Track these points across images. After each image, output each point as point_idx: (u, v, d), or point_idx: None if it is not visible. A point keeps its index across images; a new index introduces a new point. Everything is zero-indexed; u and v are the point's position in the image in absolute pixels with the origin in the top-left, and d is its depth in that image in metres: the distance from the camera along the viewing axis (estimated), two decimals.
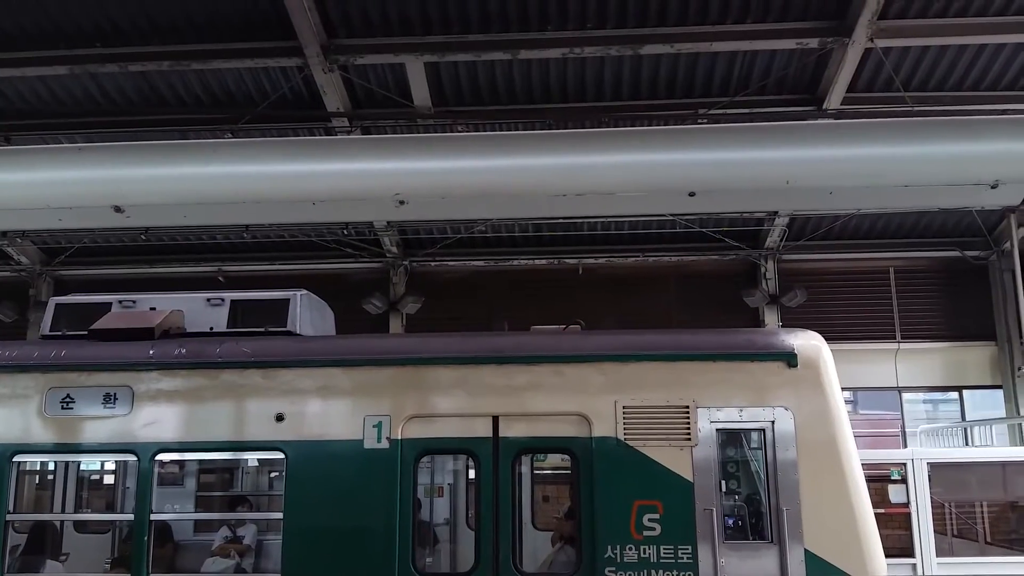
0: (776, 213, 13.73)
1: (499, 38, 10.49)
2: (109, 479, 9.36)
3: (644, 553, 6.01)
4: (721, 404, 6.26)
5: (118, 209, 4.68)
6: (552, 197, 4.49)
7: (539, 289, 14.92)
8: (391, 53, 10.69)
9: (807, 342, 6.52)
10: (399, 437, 6.30)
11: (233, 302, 7.20)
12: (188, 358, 6.59)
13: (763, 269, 14.86)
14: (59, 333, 7.10)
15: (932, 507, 10.94)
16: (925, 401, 16.07)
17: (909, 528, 10.85)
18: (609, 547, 6.04)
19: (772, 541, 6.06)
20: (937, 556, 10.77)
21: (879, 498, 11.41)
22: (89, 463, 8.91)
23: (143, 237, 14.22)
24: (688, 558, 5.99)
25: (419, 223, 14.08)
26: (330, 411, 6.44)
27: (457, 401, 6.42)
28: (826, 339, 6.85)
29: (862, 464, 6.38)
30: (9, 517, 6.43)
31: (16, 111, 11.35)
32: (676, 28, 10.35)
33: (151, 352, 6.62)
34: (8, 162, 4.85)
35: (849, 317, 14.76)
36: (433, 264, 15.27)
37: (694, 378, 6.33)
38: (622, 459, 6.18)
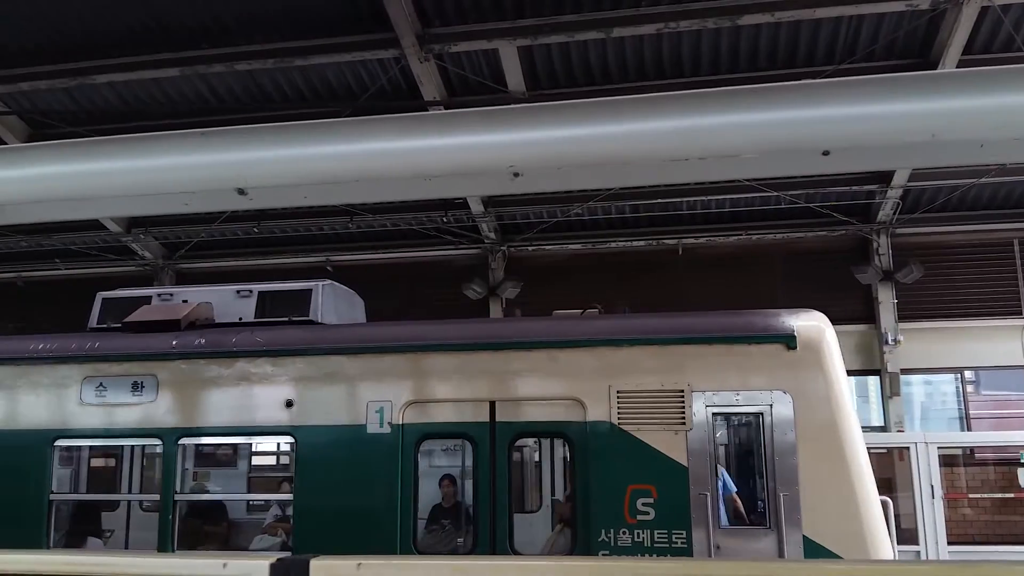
0: (889, 184, 13.09)
1: (592, 17, 10.38)
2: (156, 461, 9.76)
3: (638, 537, 5.99)
4: (717, 388, 6.16)
5: (242, 191, 4.87)
6: (673, 162, 4.33)
7: (638, 271, 14.74)
8: (484, 39, 10.75)
9: (808, 323, 6.35)
10: (400, 422, 6.48)
11: (260, 293, 7.56)
12: (207, 348, 6.96)
13: (875, 244, 14.20)
14: (104, 326, 7.60)
15: None
16: None
17: None
18: (603, 530, 6.04)
19: (769, 526, 5.97)
20: None
21: (1007, 483, 10.80)
22: (124, 446, 9.36)
23: (255, 230, 14.91)
24: (682, 543, 5.93)
25: (517, 207, 14.19)
26: (335, 397, 6.68)
27: (455, 387, 6.54)
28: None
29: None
30: (52, 497, 6.97)
31: (134, 113, 12.03)
32: None
33: (174, 343, 7.03)
34: (137, 149, 5.17)
35: (970, 292, 13.91)
36: (531, 249, 15.32)
37: (689, 362, 6.26)
38: (615, 443, 6.16)
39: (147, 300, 7.73)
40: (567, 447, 6.42)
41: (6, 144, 11.83)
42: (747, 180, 12.06)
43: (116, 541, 8.48)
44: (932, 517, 10.65)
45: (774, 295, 14.12)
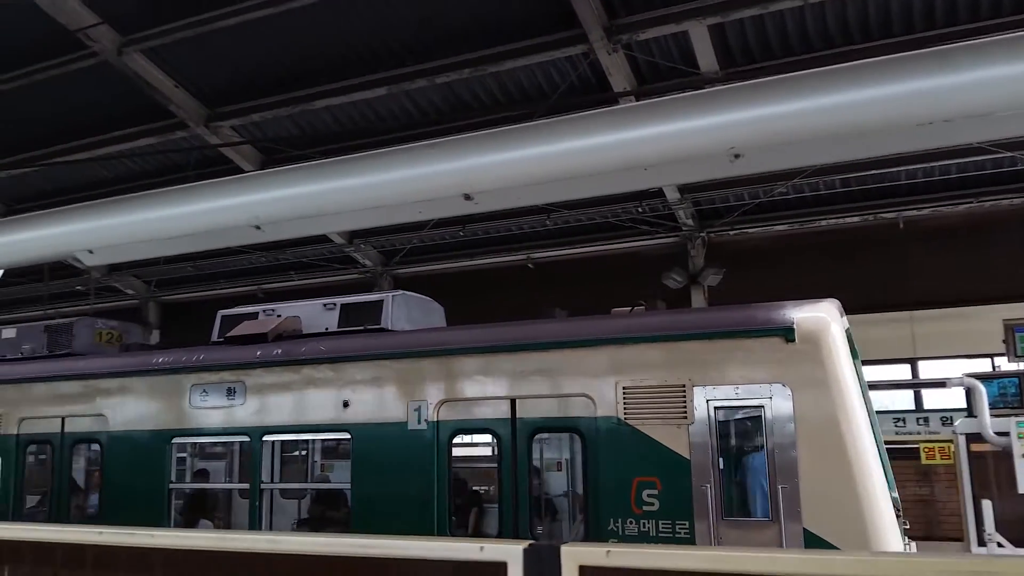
0: None
1: None
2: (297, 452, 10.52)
3: (644, 527, 6.28)
4: (718, 382, 6.31)
5: (468, 197, 5.20)
6: (913, 128, 4.05)
7: (853, 250, 13.90)
8: (673, 23, 10.56)
9: (808, 315, 6.26)
10: (435, 419, 7.19)
11: (343, 306, 8.45)
12: (282, 357, 7.97)
13: None
14: (220, 340, 8.76)
15: None
16: None
17: None
18: (611, 520, 6.38)
19: (770, 519, 6.02)
20: None
21: None
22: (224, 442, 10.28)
23: (461, 233, 15.61)
24: (685, 533, 6.15)
25: (715, 191, 13.85)
26: (382, 398, 7.49)
27: (480, 387, 7.17)
28: None
29: None
30: (171, 486, 8.35)
31: (348, 133, 12.96)
32: None
33: (258, 353, 8.09)
34: (371, 165, 5.65)
35: None
36: (732, 233, 14.87)
37: (691, 357, 6.46)
38: (622, 437, 6.48)
39: (254, 316, 8.79)
40: (580, 441, 6.80)
41: (244, 172, 13.19)
42: (976, 141, 11.01)
43: (225, 523, 9.66)
44: None
45: (1014, 267, 12.82)
